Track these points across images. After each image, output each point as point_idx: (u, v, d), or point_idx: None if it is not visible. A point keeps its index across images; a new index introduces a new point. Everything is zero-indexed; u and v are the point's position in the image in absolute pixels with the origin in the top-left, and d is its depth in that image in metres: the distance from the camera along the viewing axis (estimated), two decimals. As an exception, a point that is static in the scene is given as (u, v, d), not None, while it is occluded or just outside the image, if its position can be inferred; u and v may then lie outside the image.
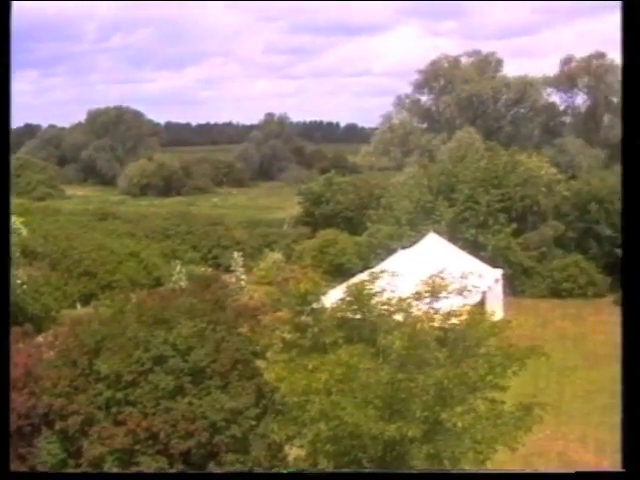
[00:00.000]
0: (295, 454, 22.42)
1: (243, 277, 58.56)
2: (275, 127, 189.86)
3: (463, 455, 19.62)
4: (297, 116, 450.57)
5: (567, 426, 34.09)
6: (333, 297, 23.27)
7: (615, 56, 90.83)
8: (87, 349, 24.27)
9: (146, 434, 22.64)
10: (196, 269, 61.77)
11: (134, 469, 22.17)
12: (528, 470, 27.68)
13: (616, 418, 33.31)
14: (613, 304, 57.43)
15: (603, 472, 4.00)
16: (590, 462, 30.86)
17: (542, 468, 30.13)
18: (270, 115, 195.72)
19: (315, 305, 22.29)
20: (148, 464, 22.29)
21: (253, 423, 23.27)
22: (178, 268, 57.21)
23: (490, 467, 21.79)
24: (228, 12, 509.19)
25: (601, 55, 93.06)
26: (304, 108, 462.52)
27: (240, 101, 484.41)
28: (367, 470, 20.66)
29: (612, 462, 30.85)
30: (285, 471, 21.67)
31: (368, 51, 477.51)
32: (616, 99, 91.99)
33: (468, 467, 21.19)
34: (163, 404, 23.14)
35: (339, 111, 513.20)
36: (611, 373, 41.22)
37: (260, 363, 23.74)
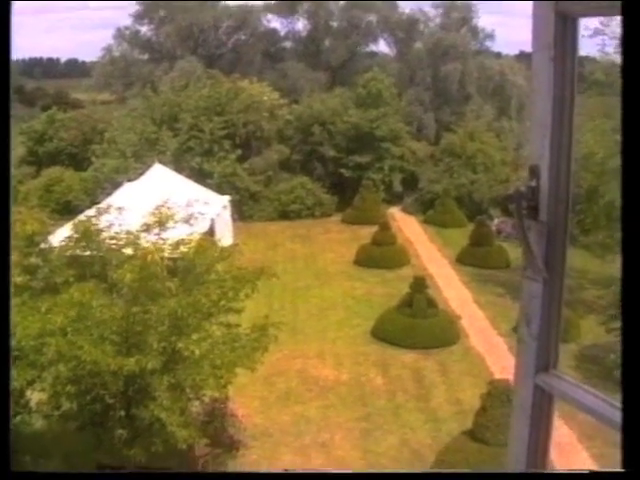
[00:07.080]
0: (37, 398, 22.08)
1: (-32, 223, 56.48)
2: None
3: (204, 382, 19.89)
4: (16, 54, 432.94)
5: (304, 344, 34.91)
6: (62, 236, 22.91)
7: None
8: None
9: None
10: None
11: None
12: (527, 470, 29.01)
13: (351, 332, 34.64)
14: (341, 222, 59.37)
15: (603, 472, 4.14)
16: (329, 376, 31.77)
17: (283, 386, 30.91)
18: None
19: (43, 245, 21.94)
20: None
21: (-10, 372, 22.69)
22: None
23: (232, 390, 22.24)
24: None
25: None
26: (23, 45, 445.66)
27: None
28: (367, 470, 20.93)
29: (350, 375, 32.03)
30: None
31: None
32: (336, 23, 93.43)
33: (210, 393, 21.62)
34: None
35: (59, 46, 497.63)
36: (342, 289, 42.90)
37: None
